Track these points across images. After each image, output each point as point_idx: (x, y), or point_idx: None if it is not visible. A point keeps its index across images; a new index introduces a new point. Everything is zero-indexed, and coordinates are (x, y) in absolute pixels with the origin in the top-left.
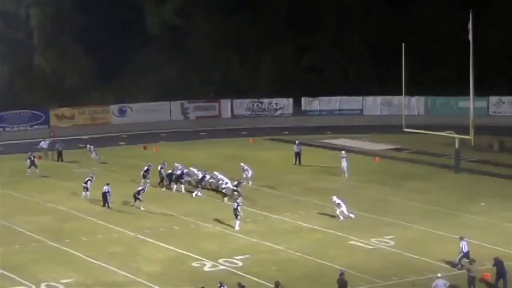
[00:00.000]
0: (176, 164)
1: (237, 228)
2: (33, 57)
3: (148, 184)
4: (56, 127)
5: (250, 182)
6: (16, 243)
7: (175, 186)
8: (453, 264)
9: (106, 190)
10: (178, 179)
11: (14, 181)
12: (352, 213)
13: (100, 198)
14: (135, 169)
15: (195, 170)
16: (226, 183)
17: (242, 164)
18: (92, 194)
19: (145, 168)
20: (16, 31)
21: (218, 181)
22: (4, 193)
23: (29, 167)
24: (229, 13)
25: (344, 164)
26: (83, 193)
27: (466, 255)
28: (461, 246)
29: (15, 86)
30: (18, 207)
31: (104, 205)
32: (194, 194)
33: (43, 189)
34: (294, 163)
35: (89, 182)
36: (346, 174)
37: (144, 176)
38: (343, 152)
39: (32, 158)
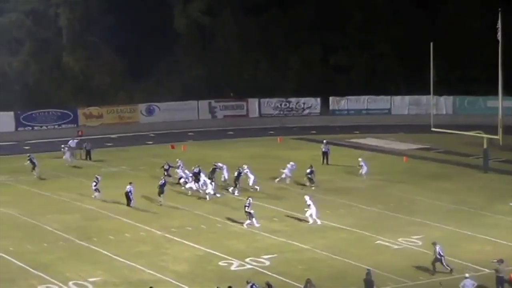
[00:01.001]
0: (177, 160)
1: (256, 225)
2: (62, 56)
3: (165, 177)
4: (84, 126)
5: (288, 181)
6: (44, 242)
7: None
8: (431, 272)
9: (129, 190)
10: (196, 177)
11: (42, 179)
12: (319, 218)
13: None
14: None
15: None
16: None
17: (292, 163)
18: (115, 193)
19: (164, 166)
20: (44, 30)
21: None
22: (31, 191)
23: (33, 168)
24: (256, 13)
25: (363, 171)
26: (96, 194)
27: (441, 259)
28: (437, 251)
29: (43, 85)
30: (46, 205)
31: (128, 205)
32: (236, 194)
33: (70, 188)
34: (321, 162)
35: (94, 184)
36: (365, 177)
37: (164, 172)
38: (359, 159)
39: (32, 159)
